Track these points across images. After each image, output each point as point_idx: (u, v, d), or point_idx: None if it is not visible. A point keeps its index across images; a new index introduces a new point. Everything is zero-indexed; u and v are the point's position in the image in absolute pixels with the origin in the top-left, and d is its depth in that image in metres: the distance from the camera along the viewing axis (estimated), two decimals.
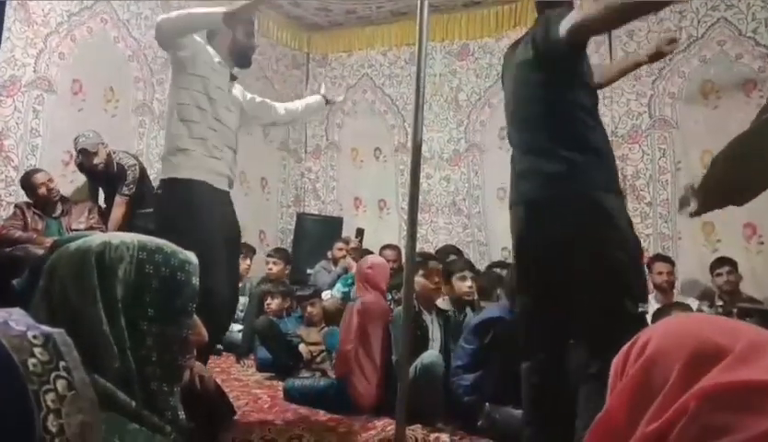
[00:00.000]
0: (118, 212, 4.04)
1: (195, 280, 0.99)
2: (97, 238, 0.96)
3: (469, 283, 3.59)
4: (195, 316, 1.01)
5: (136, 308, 0.94)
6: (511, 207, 2.21)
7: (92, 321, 0.91)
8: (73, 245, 0.96)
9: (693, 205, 1.85)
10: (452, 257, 4.57)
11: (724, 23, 4.78)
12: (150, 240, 0.99)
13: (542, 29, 2.00)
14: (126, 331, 0.93)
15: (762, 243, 4.55)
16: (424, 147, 5.35)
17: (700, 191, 1.84)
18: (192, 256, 1.00)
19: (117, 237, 0.97)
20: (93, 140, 4.04)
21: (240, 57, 2.82)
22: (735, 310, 3.75)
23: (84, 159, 4.07)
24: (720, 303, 4.14)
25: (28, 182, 3.86)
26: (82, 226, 3.87)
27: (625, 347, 0.69)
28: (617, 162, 5.23)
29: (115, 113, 4.80)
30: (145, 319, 0.94)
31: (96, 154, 4.03)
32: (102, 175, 4.16)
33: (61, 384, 0.77)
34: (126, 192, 4.09)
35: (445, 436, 2.83)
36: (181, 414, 0.98)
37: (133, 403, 0.92)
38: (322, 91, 3.37)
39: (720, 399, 0.56)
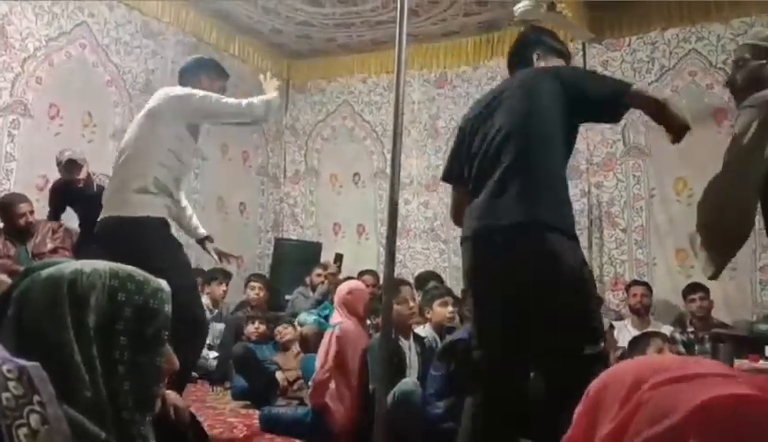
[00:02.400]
0: None
1: (168, 308, 0.98)
2: (69, 266, 0.95)
3: (450, 308, 3.60)
4: (167, 344, 1.00)
5: (108, 337, 0.93)
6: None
7: (63, 351, 0.90)
8: (44, 273, 0.95)
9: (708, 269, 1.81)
10: (432, 283, 4.58)
11: (695, 54, 4.93)
12: (122, 268, 0.98)
13: None
14: (98, 359, 0.91)
15: (734, 269, 4.62)
16: (402, 173, 5.38)
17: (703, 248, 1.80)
18: (164, 284, 1.00)
19: (89, 265, 0.96)
20: (80, 154, 4.03)
21: None
22: (707, 336, 3.81)
23: (67, 173, 3.98)
24: (691, 329, 4.19)
25: (9, 209, 3.78)
26: (48, 247, 3.82)
27: (588, 388, 0.77)
28: (593, 189, 5.34)
29: (92, 138, 4.77)
30: (117, 347, 0.93)
31: (81, 167, 3.98)
32: (78, 194, 4.09)
33: (34, 419, 0.76)
34: None
35: None
36: None
37: (103, 434, 0.90)
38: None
39: (664, 386, 0.66)
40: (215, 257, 3.20)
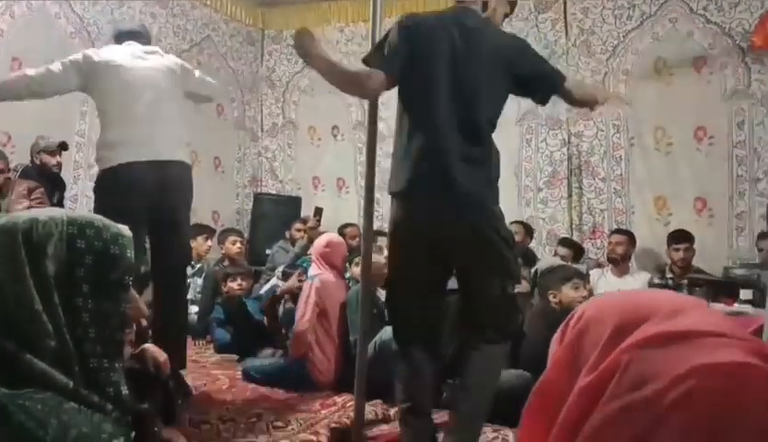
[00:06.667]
0: None
1: (130, 253, 0.96)
2: (23, 216, 0.93)
3: None
4: (133, 290, 0.98)
5: (70, 285, 0.91)
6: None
7: (23, 301, 0.88)
8: None
9: None
10: None
11: (675, 1, 4.86)
12: (80, 215, 0.95)
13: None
14: (61, 308, 0.90)
15: (712, 217, 4.69)
16: (382, 125, 5.25)
17: None
18: (124, 229, 0.97)
19: (45, 213, 0.94)
20: (54, 142, 3.97)
21: None
22: (685, 282, 3.87)
23: (46, 160, 3.94)
24: (670, 275, 4.25)
25: None
26: (23, 205, 3.71)
27: (565, 320, 0.73)
28: (573, 139, 5.32)
29: None
30: (79, 295, 0.91)
31: (56, 154, 3.95)
32: (52, 178, 4.02)
33: None
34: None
35: None
36: (124, 390, 0.96)
37: (71, 383, 0.89)
38: None
39: (648, 349, 0.60)
40: None
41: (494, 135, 2.12)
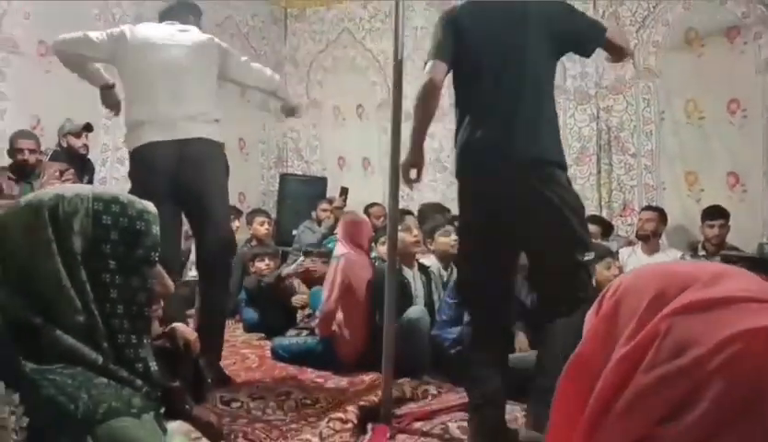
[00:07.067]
0: None
1: (156, 229, 0.96)
2: (49, 192, 0.93)
3: (453, 237, 3.57)
4: (159, 266, 0.98)
5: (97, 261, 0.91)
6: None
7: (51, 277, 0.88)
8: (23, 200, 0.92)
9: None
10: (437, 216, 4.54)
11: None
12: (105, 191, 0.95)
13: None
14: (88, 284, 0.90)
15: (745, 192, 4.56)
16: (407, 104, 5.24)
17: None
18: (150, 205, 0.97)
19: (70, 189, 0.94)
20: (79, 124, 4.05)
21: None
22: (718, 259, 3.78)
23: (72, 142, 4.01)
24: (703, 253, 4.15)
25: (10, 145, 3.75)
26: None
27: (601, 293, 0.70)
28: (602, 113, 5.21)
29: None
30: (106, 271, 0.91)
31: (81, 136, 4.04)
32: (81, 160, 4.08)
33: None
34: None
35: (432, 388, 2.85)
36: (153, 366, 0.96)
37: (100, 359, 0.89)
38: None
39: (689, 315, 0.57)
40: None
41: None
